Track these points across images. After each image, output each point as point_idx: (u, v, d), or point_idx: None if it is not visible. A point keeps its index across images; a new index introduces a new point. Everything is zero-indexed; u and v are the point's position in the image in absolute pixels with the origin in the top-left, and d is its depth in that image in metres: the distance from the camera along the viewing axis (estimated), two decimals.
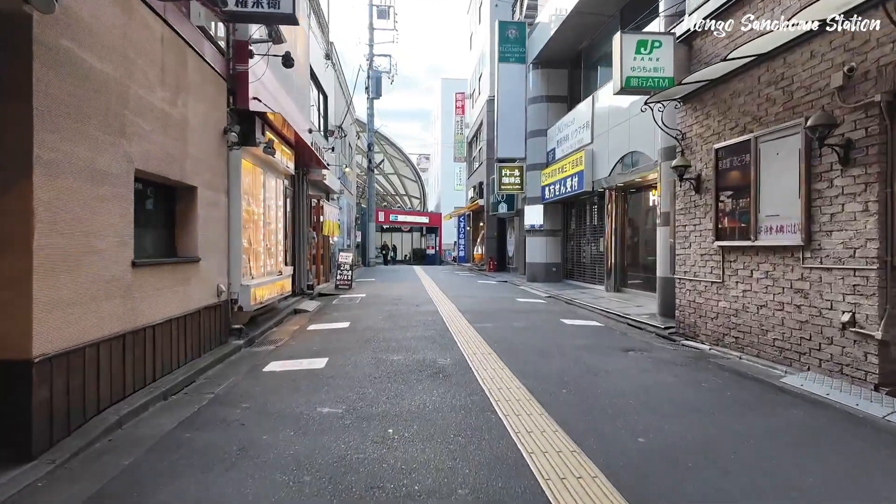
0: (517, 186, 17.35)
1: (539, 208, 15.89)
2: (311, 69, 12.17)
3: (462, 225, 30.70)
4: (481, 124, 24.51)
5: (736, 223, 5.94)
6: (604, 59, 13.58)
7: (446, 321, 8.03)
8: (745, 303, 5.80)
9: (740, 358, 5.72)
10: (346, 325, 7.86)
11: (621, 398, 4.19)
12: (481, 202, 23.78)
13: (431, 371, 5.03)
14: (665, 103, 7.08)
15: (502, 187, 17.49)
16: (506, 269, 22.27)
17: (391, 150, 41.58)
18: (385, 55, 26.23)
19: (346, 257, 13.66)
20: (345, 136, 17.77)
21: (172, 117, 4.92)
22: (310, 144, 9.93)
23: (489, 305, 10.19)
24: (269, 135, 7.25)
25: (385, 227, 36.31)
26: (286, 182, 9.95)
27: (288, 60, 7.04)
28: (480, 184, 24.28)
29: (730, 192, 6.05)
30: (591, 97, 12.90)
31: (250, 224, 7.50)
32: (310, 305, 10.10)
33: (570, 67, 15.82)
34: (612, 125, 11.68)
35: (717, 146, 6.23)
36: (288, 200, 10.98)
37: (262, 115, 7.14)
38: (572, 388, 4.47)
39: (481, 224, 25.45)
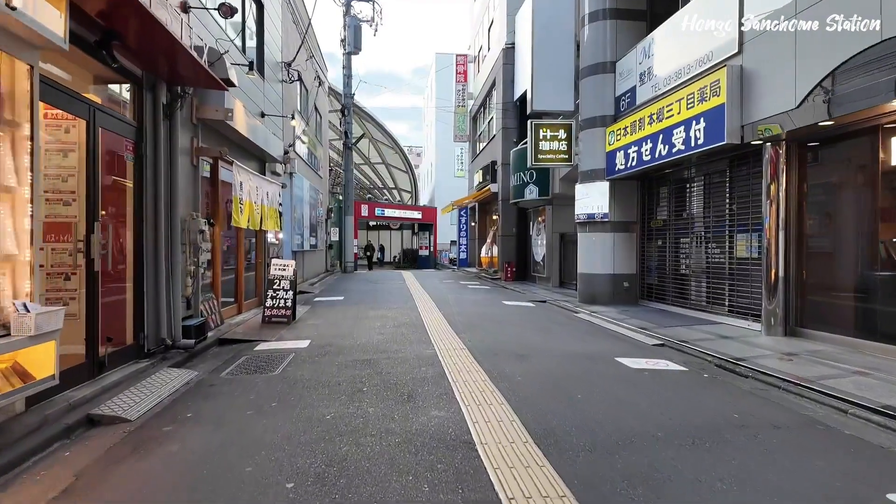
0: (563, 155, 11.36)
1: (602, 187, 9.98)
2: None
3: (464, 220, 24.63)
4: (493, 85, 18.57)
5: None
6: None
7: None
8: None
9: None
10: None
11: None
12: (494, 188, 17.81)
13: None
14: None
15: (539, 157, 11.43)
16: (529, 279, 16.38)
17: (378, 133, 35.41)
18: None
19: (282, 269, 7.70)
20: (296, 79, 11.77)
21: None
22: (158, 17, 3.97)
23: (582, 389, 4.28)
24: None
25: (371, 223, 30.82)
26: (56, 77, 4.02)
27: None
28: (493, 164, 18.30)
29: None
30: None
31: None
32: (152, 393, 4.13)
33: None
34: (802, 7, 5.84)
35: None
36: (132, 153, 5.01)
37: None
38: None
39: (494, 217, 19.50)
